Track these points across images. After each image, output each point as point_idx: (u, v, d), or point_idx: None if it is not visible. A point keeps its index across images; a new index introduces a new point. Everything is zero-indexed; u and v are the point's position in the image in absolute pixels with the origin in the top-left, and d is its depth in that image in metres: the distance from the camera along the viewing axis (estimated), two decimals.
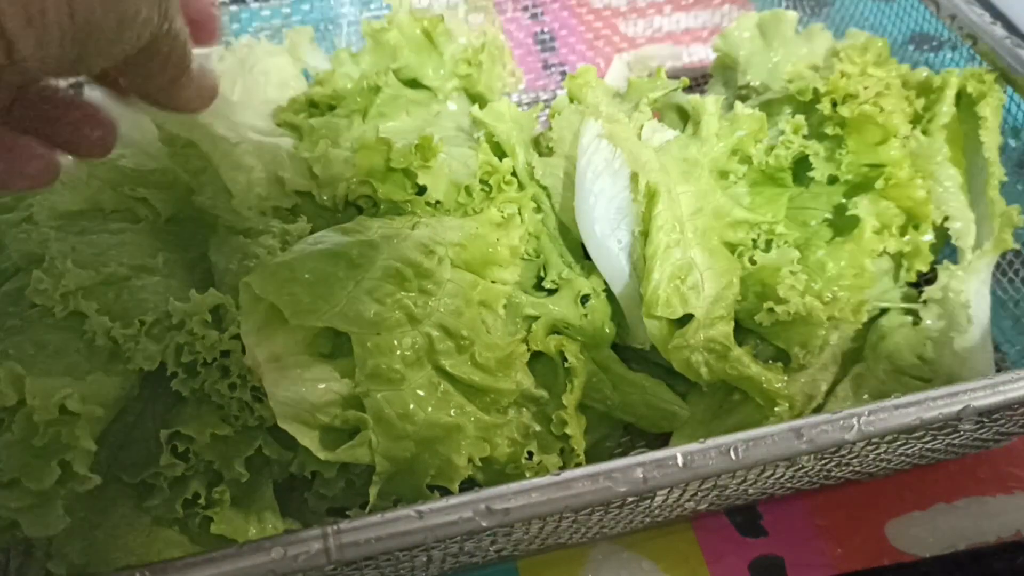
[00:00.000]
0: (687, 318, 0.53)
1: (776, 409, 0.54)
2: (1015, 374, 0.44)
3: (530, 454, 0.49)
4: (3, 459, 0.40)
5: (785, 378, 0.56)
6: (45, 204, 0.57)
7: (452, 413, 0.47)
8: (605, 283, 0.57)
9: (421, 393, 0.46)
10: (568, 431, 0.49)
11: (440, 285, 0.48)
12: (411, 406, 0.46)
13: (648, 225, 0.53)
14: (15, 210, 0.56)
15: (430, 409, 0.46)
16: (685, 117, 0.73)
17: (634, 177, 0.53)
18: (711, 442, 0.42)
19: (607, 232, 0.54)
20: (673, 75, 0.85)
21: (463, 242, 0.51)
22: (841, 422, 0.42)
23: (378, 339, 0.46)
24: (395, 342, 0.46)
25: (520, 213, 0.57)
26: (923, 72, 0.64)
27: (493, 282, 0.51)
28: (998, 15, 0.85)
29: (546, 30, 0.94)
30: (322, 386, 0.46)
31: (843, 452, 0.47)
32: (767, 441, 0.42)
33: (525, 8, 0.95)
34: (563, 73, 0.89)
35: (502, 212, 0.55)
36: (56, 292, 0.46)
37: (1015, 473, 0.60)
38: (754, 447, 0.42)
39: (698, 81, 0.81)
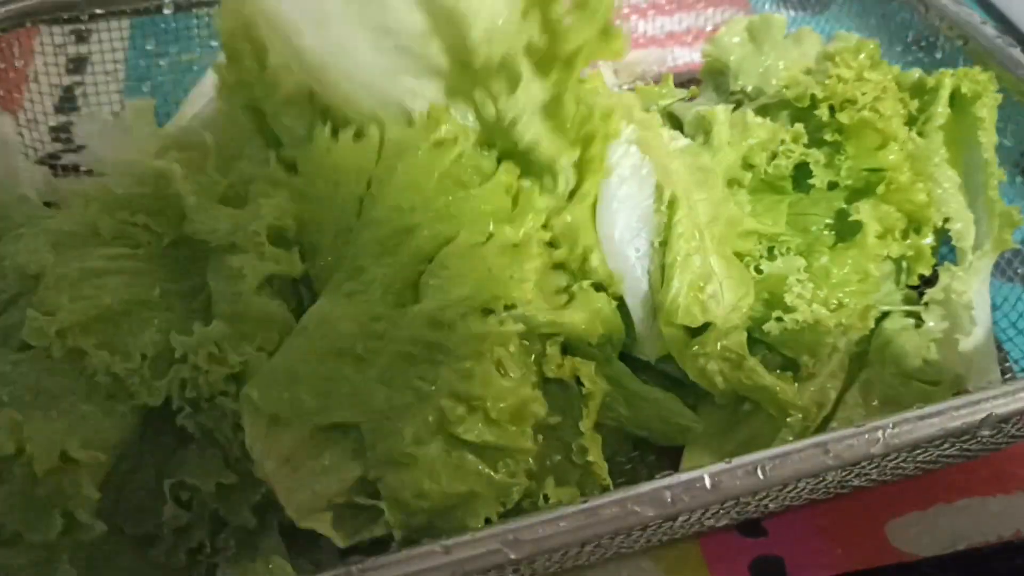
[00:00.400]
0: (702, 327, 0.52)
1: (788, 420, 0.54)
2: None
3: (546, 497, 0.48)
4: (3, 512, 0.38)
5: (796, 387, 0.55)
6: (44, 226, 0.55)
7: (467, 481, 0.45)
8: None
9: (435, 468, 0.45)
10: (590, 458, 0.48)
11: (449, 352, 0.46)
12: (425, 485, 0.44)
13: (668, 232, 0.53)
14: (10, 231, 0.54)
15: (444, 482, 0.45)
16: (677, 124, 0.72)
17: (659, 186, 0.53)
18: (737, 461, 0.41)
19: (627, 239, 0.53)
20: (657, 80, 0.85)
21: (472, 295, 0.48)
22: (867, 436, 0.42)
23: (387, 424, 0.44)
24: (405, 425, 0.44)
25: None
26: (916, 73, 0.64)
27: (506, 308, 0.49)
28: (998, 15, 0.86)
29: None
30: (335, 475, 0.45)
31: (864, 464, 0.47)
32: (794, 458, 0.41)
33: None
34: None
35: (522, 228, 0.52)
36: (52, 329, 0.44)
37: (1015, 473, 0.60)
38: (781, 465, 0.41)
39: (684, 85, 0.81)
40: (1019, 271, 0.64)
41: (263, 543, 0.47)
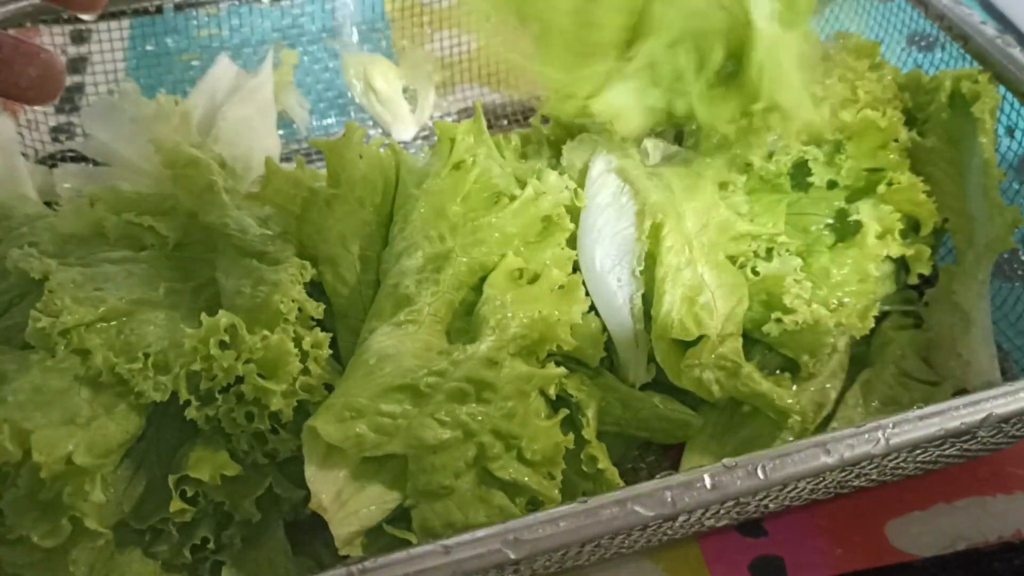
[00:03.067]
0: (697, 338, 0.52)
1: (788, 422, 0.54)
2: None
3: None
4: (10, 516, 0.38)
5: (795, 389, 0.56)
6: (46, 226, 0.55)
7: (491, 515, 0.46)
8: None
9: (465, 500, 0.45)
10: (600, 466, 0.49)
11: (498, 391, 0.46)
12: (456, 516, 0.45)
13: (656, 249, 0.53)
14: (14, 231, 0.54)
15: (471, 514, 0.45)
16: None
17: (640, 215, 0.53)
18: (738, 461, 0.41)
19: (607, 268, 0.54)
20: None
21: (524, 335, 0.48)
22: (867, 435, 0.42)
23: (434, 458, 0.44)
24: (449, 459, 0.45)
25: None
26: (916, 73, 0.64)
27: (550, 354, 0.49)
28: (998, 15, 0.86)
29: None
30: (378, 505, 0.45)
31: (864, 464, 0.47)
32: (794, 458, 0.41)
33: None
34: None
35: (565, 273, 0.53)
36: (56, 330, 0.45)
37: (1015, 473, 0.60)
38: (781, 465, 0.41)
39: None
40: (1019, 271, 0.64)
41: (267, 540, 0.47)
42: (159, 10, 0.78)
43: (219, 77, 0.72)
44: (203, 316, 0.47)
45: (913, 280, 0.61)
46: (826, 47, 0.70)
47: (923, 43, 0.70)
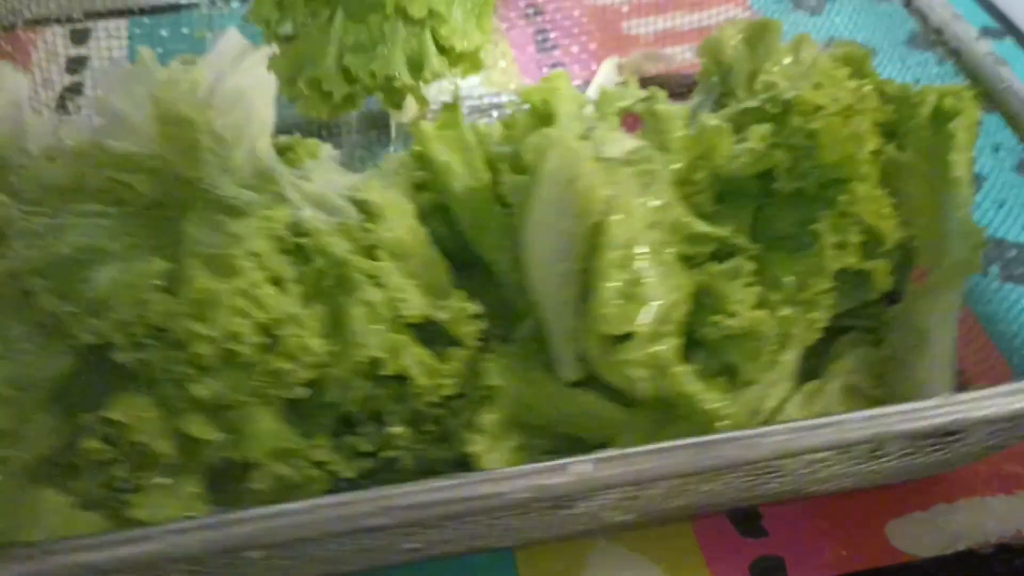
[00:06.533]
0: (628, 335, 0.52)
1: (716, 425, 0.54)
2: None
3: None
4: None
5: (728, 395, 0.55)
6: (31, 176, 0.58)
7: None
8: None
9: None
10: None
11: None
12: None
13: (597, 241, 0.53)
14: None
15: None
16: None
17: (586, 210, 0.53)
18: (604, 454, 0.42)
19: (550, 263, 0.54)
20: (665, 81, 0.85)
21: None
22: (746, 441, 0.42)
23: None
24: None
25: None
26: (904, 86, 0.63)
27: None
28: (998, 15, 0.83)
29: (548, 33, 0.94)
30: None
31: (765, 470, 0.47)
32: (665, 455, 0.41)
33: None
34: None
35: None
36: (2, 270, 0.48)
37: (1015, 473, 0.60)
38: (651, 457, 0.41)
39: (691, 87, 0.80)
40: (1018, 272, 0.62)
41: (184, 484, 0.50)
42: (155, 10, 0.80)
43: (225, 49, 0.75)
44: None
45: (871, 295, 0.59)
46: (820, 54, 0.69)
47: (919, 55, 0.68)
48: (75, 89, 0.85)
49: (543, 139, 0.58)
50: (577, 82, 0.87)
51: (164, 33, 0.84)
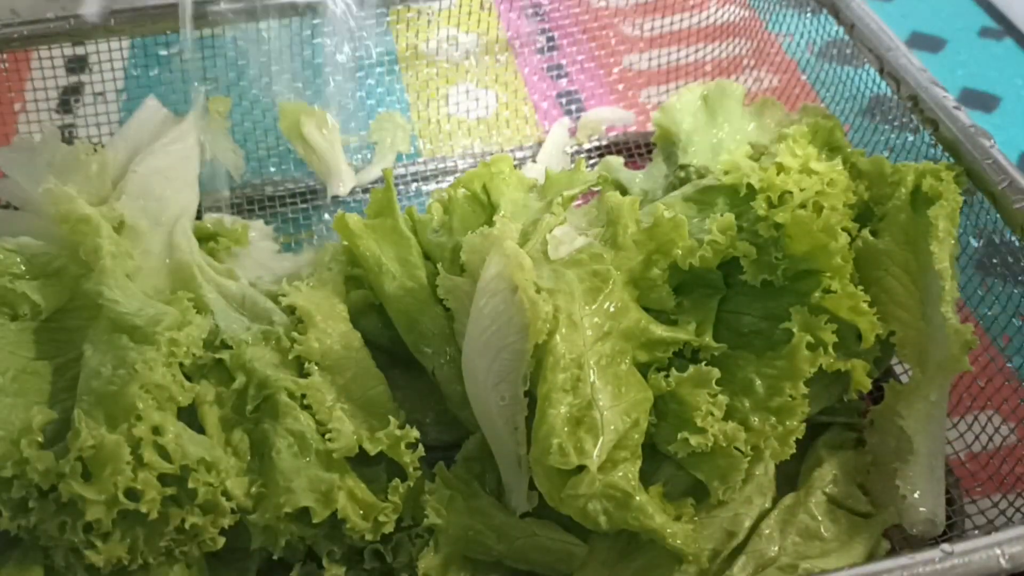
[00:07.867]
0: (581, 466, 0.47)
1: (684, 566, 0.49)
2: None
3: None
4: None
5: (696, 521, 0.50)
6: None
7: None
8: None
9: None
10: None
11: None
12: None
13: (542, 361, 0.47)
14: None
15: None
16: (626, 193, 0.67)
17: (528, 326, 0.47)
18: None
19: (491, 384, 0.48)
20: (623, 141, 0.79)
21: None
22: None
23: None
24: None
25: None
26: (879, 160, 0.58)
27: None
28: (998, 15, 0.79)
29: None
30: None
31: None
32: None
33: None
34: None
35: None
36: None
37: (1015, 473, 0.56)
38: None
39: (650, 148, 0.75)
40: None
41: None
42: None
43: (144, 121, 0.69)
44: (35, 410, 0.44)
45: (852, 396, 0.54)
46: (785, 122, 0.64)
47: (895, 122, 0.63)
48: (75, 89, 0.84)
49: (482, 240, 0.52)
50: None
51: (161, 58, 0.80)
